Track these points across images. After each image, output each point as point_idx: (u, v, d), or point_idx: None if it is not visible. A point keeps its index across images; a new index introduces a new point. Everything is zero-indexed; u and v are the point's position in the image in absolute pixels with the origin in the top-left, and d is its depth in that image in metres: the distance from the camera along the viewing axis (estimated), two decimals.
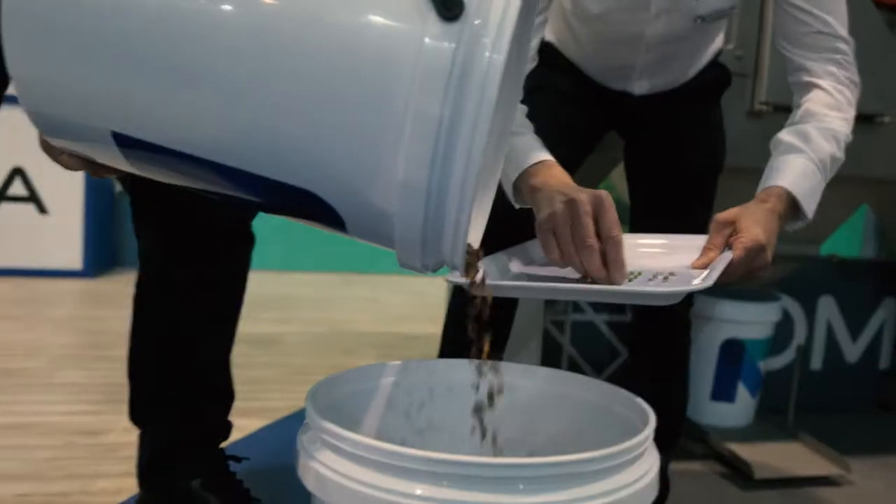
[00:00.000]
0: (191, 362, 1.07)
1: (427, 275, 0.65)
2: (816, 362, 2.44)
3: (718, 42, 1.28)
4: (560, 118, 1.25)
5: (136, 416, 1.09)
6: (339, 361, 2.41)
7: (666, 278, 0.83)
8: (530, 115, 1.26)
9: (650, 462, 0.59)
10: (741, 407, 2.04)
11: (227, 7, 0.54)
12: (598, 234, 0.80)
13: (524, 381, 0.76)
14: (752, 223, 0.90)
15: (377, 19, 0.55)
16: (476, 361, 0.71)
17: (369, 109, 0.55)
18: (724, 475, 1.80)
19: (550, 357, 2.11)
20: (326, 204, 0.60)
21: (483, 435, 0.72)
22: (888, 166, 1.80)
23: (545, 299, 1.30)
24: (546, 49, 1.31)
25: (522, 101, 1.29)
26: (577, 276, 0.83)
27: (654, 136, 1.29)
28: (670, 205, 1.27)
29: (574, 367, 2.21)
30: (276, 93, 0.54)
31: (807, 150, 0.97)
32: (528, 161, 0.93)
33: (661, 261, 0.98)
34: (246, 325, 2.90)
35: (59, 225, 3.68)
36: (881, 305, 2.50)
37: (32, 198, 3.69)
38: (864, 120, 1.74)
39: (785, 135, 1.01)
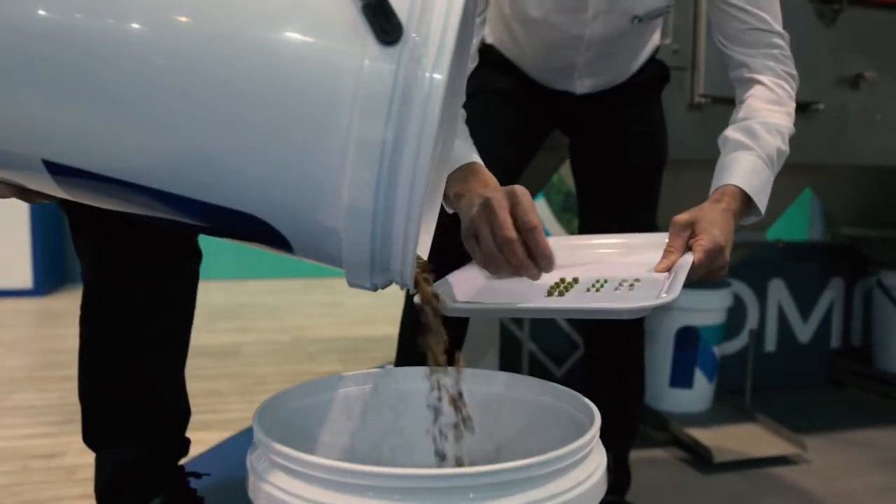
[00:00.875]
0: (142, 382, 1.06)
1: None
2: (770, 344, 2.52)
3: (656, 39, 1.31)
4: (503, 120, 1.26)
5: (90, 439, 1.08)
6: (301, 368, 2.40)
7: (632, 286, 0.84)
8: (473, 118, 1.27)
9: (596, 461, 0.61)
10: (699, 392, 2.09)
11: (145, 32, 0.53)
12: (517, 227, 0.77)
13: (480, 386, 0.77)
14: (710, 224, 0.92)
15: (315, 43, 0.55)
16: (431, 370, 0.71)
17: (311, 135, 0.55)
18: (685, 460, 1.85)
19: (510, 353, 2.14)
20: (271, 227, 0.60)
21: (441, 445, 0.72)
22: (825, 152, 1.86)
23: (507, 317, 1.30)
24: (487, 51, 1.32)
25: (464, 104, 1.31)
26: (527, 288, 0.85)
27: (596, 134, 1.31)
28: (616, 201, 1.30)
29: (535, 362, 2.24)
30: (207, 119, 0.54)
31: (754, 147, 1.00)
32: (453, 164, 0.92)
33: (621, 262, 1.00)
34: (203, 337, 2.88)
35: (6, 243, 3.59)
36: (829, 286, 2.58)
37: None
38: (800, 108, 1.78)
39: (732, 132, 1.04)
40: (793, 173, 1.96)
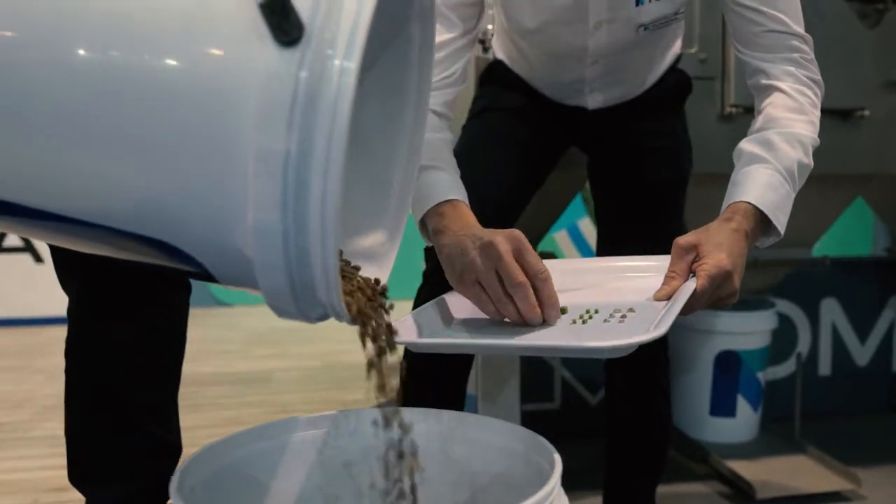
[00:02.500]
0: (128, 418, 1.02)
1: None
2: (825, 368, 2.35)
3: (676, 48, 1.22)
4: (513, 138, 1.20)
5: (74, 477, 1.04)
6: (328, 396, 2.36)
7: (624, 317, 0.77)
8: (481, 137, 1.21)
9: None
10: (743, 421, 1.95)
11: (34, 47, 0.49)
12: (525, 274, 0.75)
13: (430, 425, 0.70)
14: (716, 247, 0.83)
15: (211, 50, 0.50)
16: (379, 410, 0.64)
17: (210, 150, 0.50)
18: (726, 496, 1.72)
19: (539, 380, 2.04)
20: (184, 254, 0.54)
21: (392, 489, 0.65)
22: (872, 161, 1.73)
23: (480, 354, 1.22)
24: (497, 67, 1.26)
25: (473, 120, 1.25)
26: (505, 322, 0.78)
27: (613, 151, 1.23)
28: (635, 221, 1.21)
29: (567, 389, 2.14)
30: (98, 136, 0.50)
31: (771, 160, 0.90)
32: (433, 200, 0.87)
33: (622, 288, 0.91)
34: (239, 364, 2.88)
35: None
36: (888, 305, 2.40)
37: (28, 247, 3.70)
38: (843, 116, 1.68)
39: (747, 144, 0.95)
40: (838, 185, 1.83)
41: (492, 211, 1.13)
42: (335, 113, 0.48)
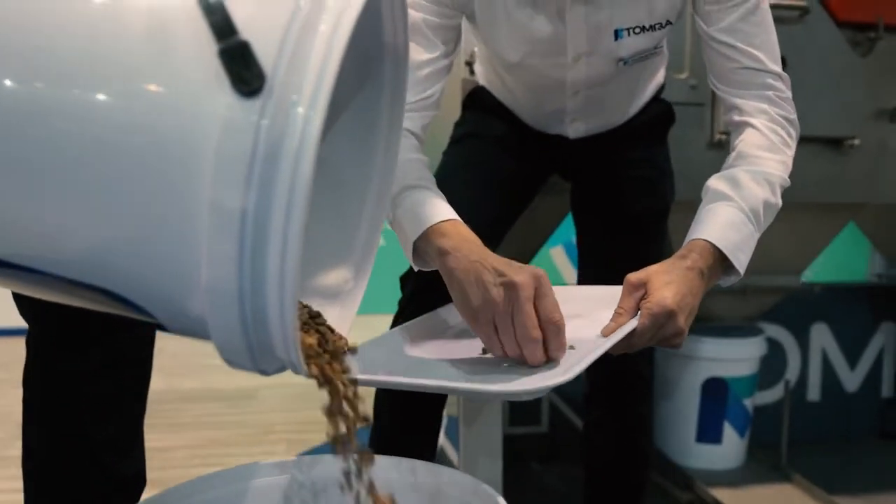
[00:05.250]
0: (88, 453, 0.99)
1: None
2: (814, 393, 2.33)
3: (659, 78, 1.21)
4: (494, 166, 1.18)
5: None
6: (313, 417, 2.31)
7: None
8: (461, 164, 1.19)
9: None
10: (729, 448, 1.93)
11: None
12: (539, 321, 0.72)
13: (395, 473, 0.69)
14: (664, 285, 0.81)
15: (167, 95, 0.47)
16: (341, 458, 0.62)
17: (162, 202, 0.47)
18: None
19: (526, 404, 2.02)
20: (137, 306, 0.52)
21: None
22: (863, 190, 1.72)
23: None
24: (480, 93, 1.25)
25: (454, 146, 1.23)
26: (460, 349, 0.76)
27: (594, 180, 1.22)
28: (614, 249, 1.19)
29: (555, 412, 2.12)
30: (42, 183, 0.47)
31: (735, 198, 0.89)
32: (432, 218, 0.83)
33: (578, 321, 0.89)
34: (222, 380, 2.84)
35: None
36: (879, 330, 2.39)
37: None
38: (834, 144, 1.67)
39: (714, 181, 0.93)
40: (829, 213, 1.82)
41: None
42: (297, 167, 0.46)
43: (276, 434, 2.16)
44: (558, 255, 4.14)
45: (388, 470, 0.70)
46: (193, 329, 0.53)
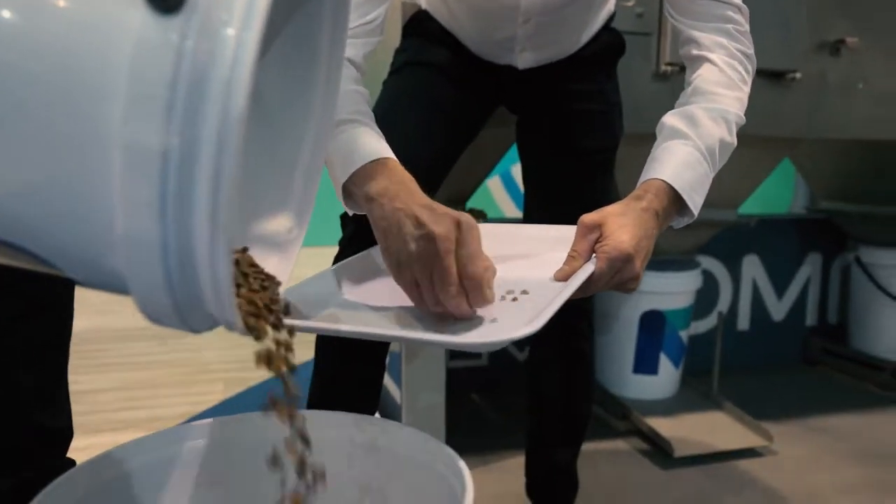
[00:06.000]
0: (11, 406, 0.92)
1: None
2: (743, 322, 2.41)
3: (610, 6, 1.15)
4: (436, 96, 1.11)
5: None
6: (250, 355, 2.26)
7: (515, 298, 0.71)
8: (401, 94, 1.12)
9: None
10: (664, 379, 1.98)
11: None
12: (460, 275, 0.66)
13: (333, 431, 0.65)
14: (619, 228, 0.77)
15: (83, 14, 0.40)
16: (270, 413, 0.57)
17: (64, 139, 0.40)
18: (645, 453, 1.74)
19: None
20: (50, 263, 0.46)
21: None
22: (802, 125, 1.73)
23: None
24: (421, 17, 1.17)
25: (394, 76, 1.16)
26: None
27: (542, 113, 1.16)
28: (563, 185, 1.16)
29: None
30: None
31: (692, 137, 0.85)
32: (361, 159, 0.77)
33: (528, 262, 0.86)
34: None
35: None
36: (805, 262, 2.47)
37: None
38: (774, 77, 1.66)
39: (670, 118, 0.89)
40: (767, 146, 1.83)
41: (416, 175, 1.06)
42: (229, 99, 0.39)
43: (211, 374, 2.09)
44: (495, 186, 4.11)
45: (330, 428, 0.66)
46: (111, 285, 0.47)
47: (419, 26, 1.16)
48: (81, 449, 1.04)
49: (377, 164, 0.76)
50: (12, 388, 0.93)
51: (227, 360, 2.21)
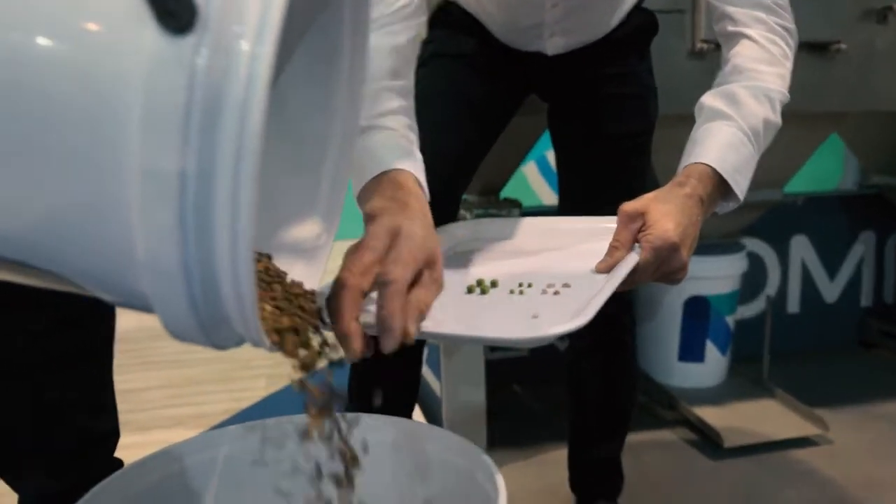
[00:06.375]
0: (52, 411, 0.94)
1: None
2: (793, 305, 2.34)
3: None
4: (465, 88, 1.09)
5: (4, 472, 0.97)
6: None
7: (557, 292, 0.69)
8: (427, 87, 1.10)
9: None
10: (711, 366, 1.94)
11: None
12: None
13: (378, 435, 0.64)
14: (663, 216, 0.74)
15: (95, 38, 0.39)
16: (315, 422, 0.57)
17: (84, 165, 0.40)
18: (694, 443, 1.71)
19: None
20: (78, 285, 0.46)
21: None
22: (847, 98, 1.66)
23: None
24: (448, 7, 1.14)
25: (421, 69, 1.13)
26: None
27: (574, 99, 1.13)
28: (598, 173, 1.13)
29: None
30: None
31: (735, 117, 0.82)
32: (371, 172, 0.71)
33: (566, 255, 0.84)
34: None
35: None
36: (858, 240, 2.38)
37: None
38: (817, 49, 1.59)
39: (710, 98, 0.86)
40: (811, 122, 1.76)
41: (445, 170, 1.03)
42: (245, 116, 0.38)
43: (254, 370, 2.11)
44: (531, 172, 4.06)
45: (370, 431, 0.65)
46: (137, 305, 0.46)
47: (446, 16, 1.14)
48: (130, 446, 1.06)
49: (383, 178, 0.71)
50: (59, 394, 0.95)
51: (269, 356, 2.21)
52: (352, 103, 0.63)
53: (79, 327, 0.95)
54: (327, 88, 0.64)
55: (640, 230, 0.76)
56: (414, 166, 0.72)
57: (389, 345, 0.54)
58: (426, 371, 1.80)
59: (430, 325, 0.63)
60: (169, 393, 1.90)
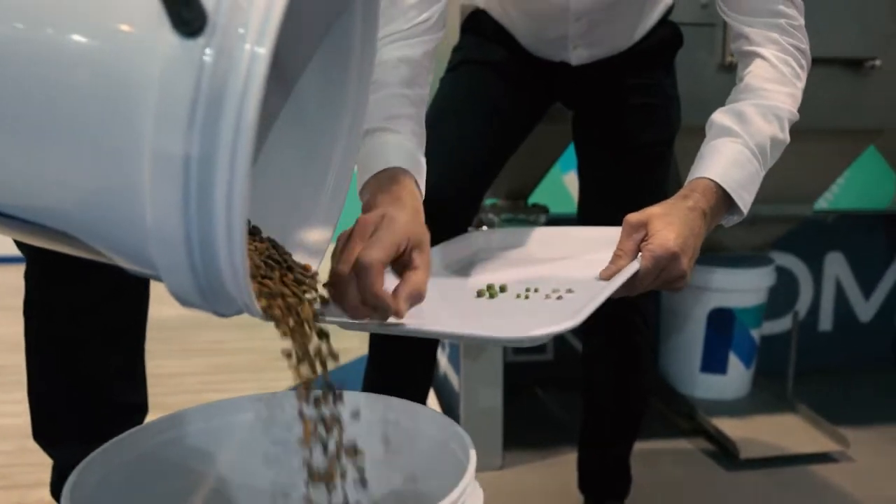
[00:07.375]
0: (88, 381, 1.01)
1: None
2: (825, 323, 2.32)
3: (668, 0, 1.15)
4: (492, 94, 1.14)
5: (39, 438, 1.05)
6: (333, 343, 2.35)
7: (560, 297, 0.74)
8: (456, 92, 1.15)
9: None
10: (734, 378, 1.94)
11: None
12: None
13: (368, 413, 0.69)
14: (665, 226, 0.78)
15: (116, 37, 0.46)
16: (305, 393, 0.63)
17: (107, 147, 0.46)
18: (710, 453, 1.72)
19: None
20: (90, 247, 0.52)
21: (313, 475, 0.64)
22: (883, 115, 1.65)
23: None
24: (478, 15, 1.20)
25: (450, 73, 1.18)
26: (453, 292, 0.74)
27: (598, 108, 1.17)
28: (618, 181, 1.16)
29: (560, 340, 2.12)
30: None
31: (741, 134, 0.85)
32: (374, 168, 0.76)
33: (574, 262, 0.88)
34: None
35: None
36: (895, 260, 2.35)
37: None
38: (850, 65, 1.59)
39: (719, 115, 0.89)
40: (844, 139, 1.75)
41: (466, 173, 1.09)
42: (242, 109, 0.44)
43: (284, 360, 2.18)
44: (572, 181, 4.07)
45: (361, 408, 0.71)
46: (149, 272, 0.52)
47: (477, 24, 1.19)
48: None
49: (383, 176, 0.76)
50: (96, 366, 1.02)
51: None
52: (358, 101, 0.68)
53: (118, 304, 1.02)
54: (340, 87, 0.69)
55: (643, 240, 0.79)
56: (414, 167, 0.78)
57: (385, 317, 0.62)
58: (447, 367, 1.85)
59: (429, 322, 0.68)
60: (202, 379, 1.98)
